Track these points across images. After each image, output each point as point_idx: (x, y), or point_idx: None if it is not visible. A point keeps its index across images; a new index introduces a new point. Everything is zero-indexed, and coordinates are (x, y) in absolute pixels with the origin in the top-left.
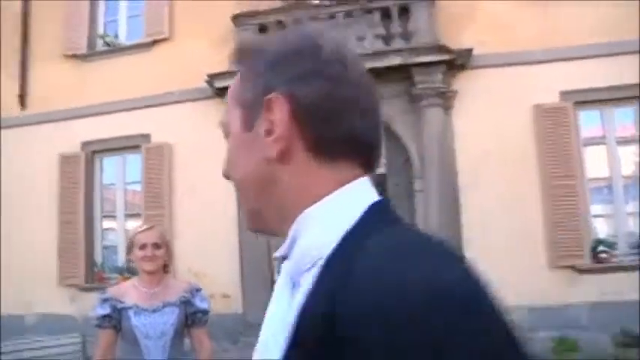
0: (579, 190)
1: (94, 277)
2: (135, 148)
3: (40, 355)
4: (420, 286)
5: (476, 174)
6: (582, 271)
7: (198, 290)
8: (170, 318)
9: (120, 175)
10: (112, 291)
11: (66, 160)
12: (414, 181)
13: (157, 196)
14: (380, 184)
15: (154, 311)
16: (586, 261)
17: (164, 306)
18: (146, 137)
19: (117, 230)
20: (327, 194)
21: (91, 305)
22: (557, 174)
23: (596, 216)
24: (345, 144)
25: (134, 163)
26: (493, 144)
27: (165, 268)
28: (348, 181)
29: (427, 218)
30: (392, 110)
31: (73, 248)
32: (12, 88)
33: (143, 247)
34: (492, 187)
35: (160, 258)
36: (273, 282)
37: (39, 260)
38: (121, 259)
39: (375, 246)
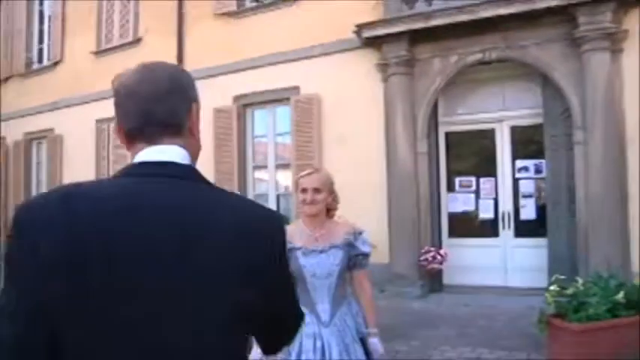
0: None
1: None
2: (284, 100)
3: None
4: None
5: None
6: None
7: (360, 233)
8: (335, 259)
9: (270, 127)
10: None
11: (219, 114)
12: (573, 133)
13: (306, 146)
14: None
15: (321, 252)
16: None
17: (330, 247)
18: (295, 89)
19: (267, 180)
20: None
21: None
22: None
23: None
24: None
25: (284, 115)
26: None
27: (330, 212)
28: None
29: (588, 172)
30: (548, 56)
31: None
32: (170, 49)
33: (304, 191)
34: None
35: (320, 202)
36: (419, 234)
37: None
38: (271, 206)
39: None
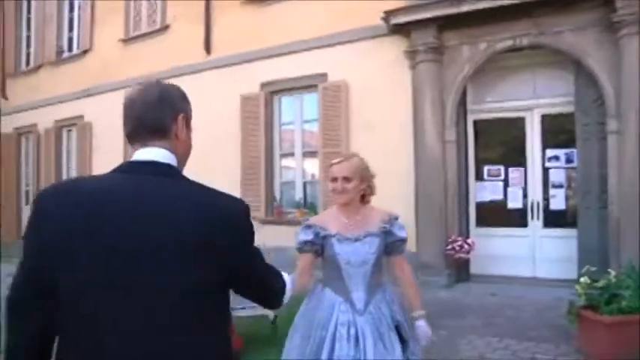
0: None
1: (274, 211)
2: (312, 87)
3: None
4: None
5: None
6: None
7: (396, 219)
8: (371, 247)
9: (297, 114)
10: (315, 220)
11: (246, 101)
12: (606, 122)
13: (333, 134)
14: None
15: (356, 240)
16: None
17: (365, 235)
18: (323, 76)
19: (294, 168)
20: None
21: (270, 237)
22: None
23: None
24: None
25: (311, 102)
26: None
27: (364, 198)
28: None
29: (621, 162)
30: (583, 42)
31: (254, 183)
32: (197, 36)
33: (334, 179)
34: None
35: (350, 191)
36: (447, 223)
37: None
38: (298, 194)
39: None
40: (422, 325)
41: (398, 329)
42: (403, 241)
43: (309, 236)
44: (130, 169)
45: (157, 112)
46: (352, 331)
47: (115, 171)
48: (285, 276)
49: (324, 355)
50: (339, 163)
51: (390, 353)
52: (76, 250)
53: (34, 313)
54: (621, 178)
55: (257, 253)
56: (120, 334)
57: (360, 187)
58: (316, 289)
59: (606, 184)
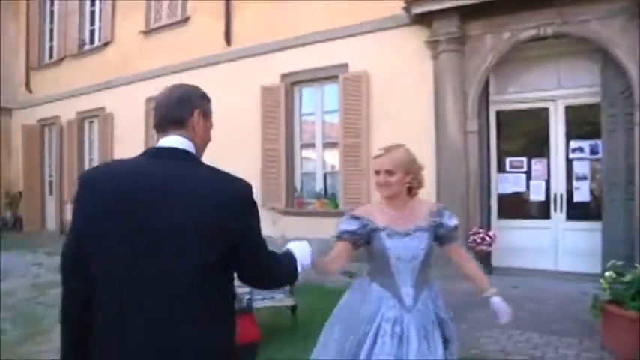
0: None
1: (294, 202)
2: (332, 78)
3: None
4: None
5: None
6: None
7: (443, 209)
8: (421, 242)
9: (318, 104)
10: (361, 211)
11: (267, 92)
12: (634, 113)
13: (354, 124)
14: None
15: (406, 235)
16: None
17: (415, 230)
18: (343, 67)
19: (315, 159)
20: None
21: (290, 228)
22: None
23: None
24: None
25: (332, 93)
26: None
27: (411, 191)
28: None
29: None
30: (609, 31)
31: (274, 174)
32: (217, 28)
33: (377, 173)
34: None
35: (394, 185)
36: (468, 214)
37: None
38: (318, 185)
39: None
40: (498, 301)
41: (441, 325)
42: (456, 229)
43: (352, 226)
44: (154, 154)
45: (177, 108)
46: (397, 328)
47: (142, 155)
48: (303, 249)
49: (364, 352)
50: (381, 156)
51: (432, 353)
52: (105, 230)
53: (75, 278)
54: None
55: (261, 235)
56: (146, 319)
57: (404, 180)
58: (362, 283)
59: (632, 176)
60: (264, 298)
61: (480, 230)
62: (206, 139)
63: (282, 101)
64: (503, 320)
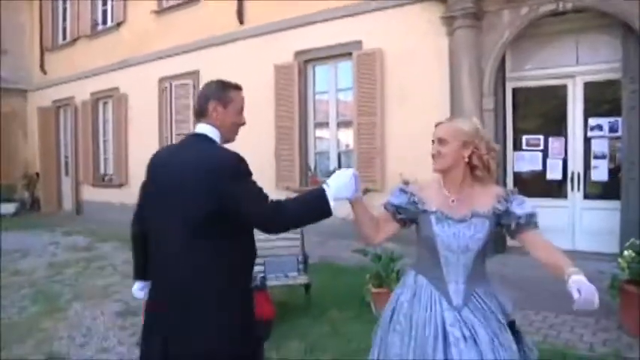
0: None
1: (308, 181)
2: (346, 55)
3: (267, 247)
4: None
5: None
6: None
7: (513, 194)
8: (478, 231)
9: (332, 82)
10: (414, 187)
11: (280, 70)
12: None
13: (368, 103)
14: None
15: (460, 221)
16: None
17: (472, 216)
18: (357, 44)
19: (329, 138)
20: None
21: None
22: None
23: None
24: None
25: (345, 70)
26: None
27: (474, 170)
28: None
29: None
30: (630, 4)
31: (288, 153)
32: (230, 7)
33: (433, 142)
34: None
35: (446, 156)
36: None
37: (259, 163)
38: (332, 164)
39: None
40: (580, 280)
41: (510, 326)
42: (529, 217)
43: (401, 200)
44: (186, 138)
45: (199, 102)
46: (466, 332)
47: (183, 139)
48: (339, 180)
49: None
50: (440, 123)
51: (507, 353)
52: (149, 196)
53: (136, 226)
54: None
55: (251, 193)
56: (166, 253)
57: (461, 153)
58: (408, 278)
59: None
60: (278, 276)
61: None
62: (228, 124)
63: (295, 80)
64: (580, 304)
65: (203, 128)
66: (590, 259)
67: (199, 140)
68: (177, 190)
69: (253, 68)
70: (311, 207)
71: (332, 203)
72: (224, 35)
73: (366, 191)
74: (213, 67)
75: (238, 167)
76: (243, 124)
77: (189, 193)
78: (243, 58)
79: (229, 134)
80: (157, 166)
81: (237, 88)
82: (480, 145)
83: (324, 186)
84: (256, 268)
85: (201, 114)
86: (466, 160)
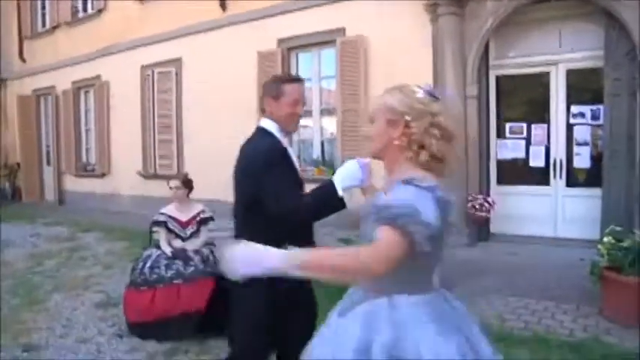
0: None
1: None
2: (329, 42)
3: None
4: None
5: None
6: None
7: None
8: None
9: (315, 70)
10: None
11: (263, 57)
12: (638, 77)
13: (351, 90)
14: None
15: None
16: None
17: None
18: (340, 31)
19: (312, 126)
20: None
21: None
22: None
23: None
24: None
25: (329, 58)
26: None
27: (419, 156)
28: None
29: None
30: None
31: None
32: None
33: None
34: None
35: (373, 139)
36: (467, 180)
37: None
38: (316, 153)
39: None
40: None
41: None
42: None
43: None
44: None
45: (262, 101)
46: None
47: None
48: (345, 171)
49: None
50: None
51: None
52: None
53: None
54: None
55: (272, 182)
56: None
57: (389, 133)
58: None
59: (634, 142)
60: None
61: (479, 196)
62: (283, 115)
63: (278, 67)
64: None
65: (262, 122)
66: (572, 246)
67: (255, 132)
68: (235, 176)
69: (236, 56)
70: (321, 199)
71: (340, 193)
72: (207, 22)
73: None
74: (195, 54)
75: (266, 159)
76: (299, 114)
77: (237, 179)
78: (226, 45)
79: (287, 125)
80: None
81: (292, 80)
82: (417, 124)
83: (333, 177)
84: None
85: (263, 109)
86: (396, 142)
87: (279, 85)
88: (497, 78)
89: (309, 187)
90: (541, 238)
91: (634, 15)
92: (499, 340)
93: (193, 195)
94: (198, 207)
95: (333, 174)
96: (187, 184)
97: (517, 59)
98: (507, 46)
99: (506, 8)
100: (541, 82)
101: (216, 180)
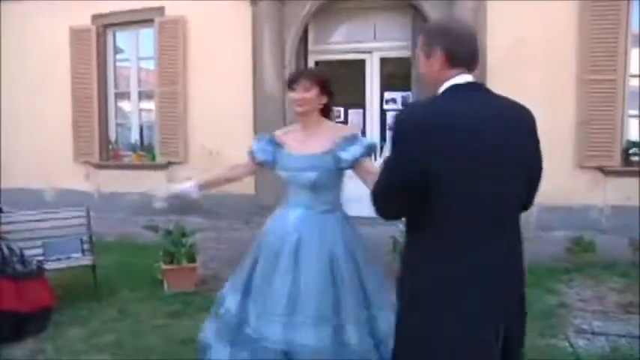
0: (617, 88)
1: (109, 155)
2: (148, 22)
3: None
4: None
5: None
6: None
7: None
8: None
9: (133, 50)
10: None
11: (76, 35)
12: None
13: (171, 72)
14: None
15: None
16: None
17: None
18: (159, 10)
19: (130, 108)
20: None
21: (106, 183)
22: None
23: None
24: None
25: (148, 37)
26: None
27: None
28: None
29: None
30: None
31: (87, 125)
32: None
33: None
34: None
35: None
36: None
37: (55, 136)
38: (134, 136)
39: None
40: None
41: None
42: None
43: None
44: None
45: None
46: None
47: None
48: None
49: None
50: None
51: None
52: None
53: None
54: None
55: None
56: None
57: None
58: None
59: None
60: (60, 259)
61: None
62: (428, 76)
63: (93, 45)
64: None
65: None
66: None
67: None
68: None
69: (46, 31)
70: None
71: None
72: None
73: (169, 164)
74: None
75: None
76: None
77: None
78: (35, 18)
79: (436, 89)
80: None
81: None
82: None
83: None
84: (33, 252)
85: None
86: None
87: (433, 39)
88: (317, 63)
89: (126, 174)
90: (364, 219)
91: (434, 8)
92: None
93: None
94: None
95: (152, 159)
96: None
97: (335, 45)
98: (326, 33)
99: None
100: (358, 68)
101: None
